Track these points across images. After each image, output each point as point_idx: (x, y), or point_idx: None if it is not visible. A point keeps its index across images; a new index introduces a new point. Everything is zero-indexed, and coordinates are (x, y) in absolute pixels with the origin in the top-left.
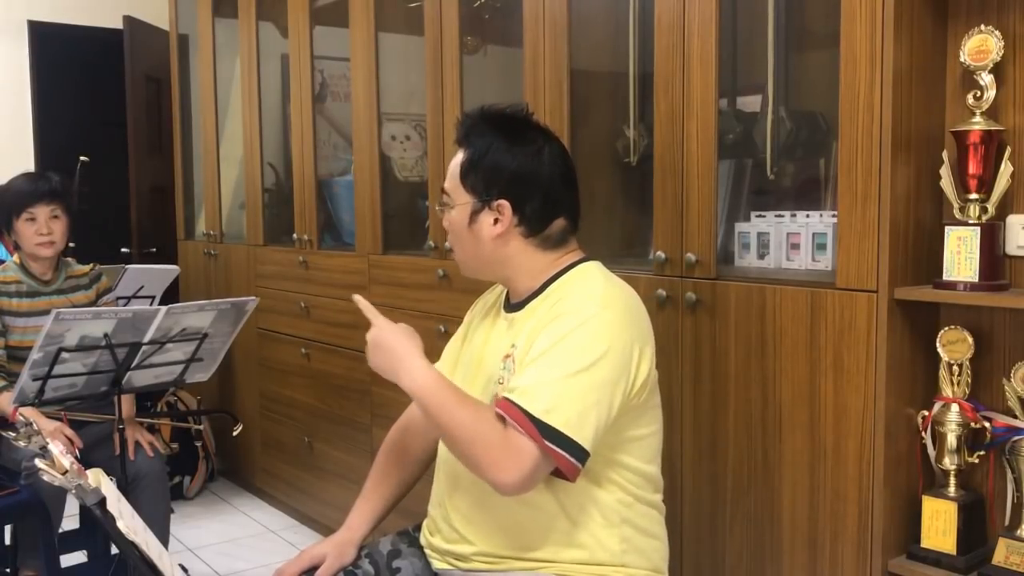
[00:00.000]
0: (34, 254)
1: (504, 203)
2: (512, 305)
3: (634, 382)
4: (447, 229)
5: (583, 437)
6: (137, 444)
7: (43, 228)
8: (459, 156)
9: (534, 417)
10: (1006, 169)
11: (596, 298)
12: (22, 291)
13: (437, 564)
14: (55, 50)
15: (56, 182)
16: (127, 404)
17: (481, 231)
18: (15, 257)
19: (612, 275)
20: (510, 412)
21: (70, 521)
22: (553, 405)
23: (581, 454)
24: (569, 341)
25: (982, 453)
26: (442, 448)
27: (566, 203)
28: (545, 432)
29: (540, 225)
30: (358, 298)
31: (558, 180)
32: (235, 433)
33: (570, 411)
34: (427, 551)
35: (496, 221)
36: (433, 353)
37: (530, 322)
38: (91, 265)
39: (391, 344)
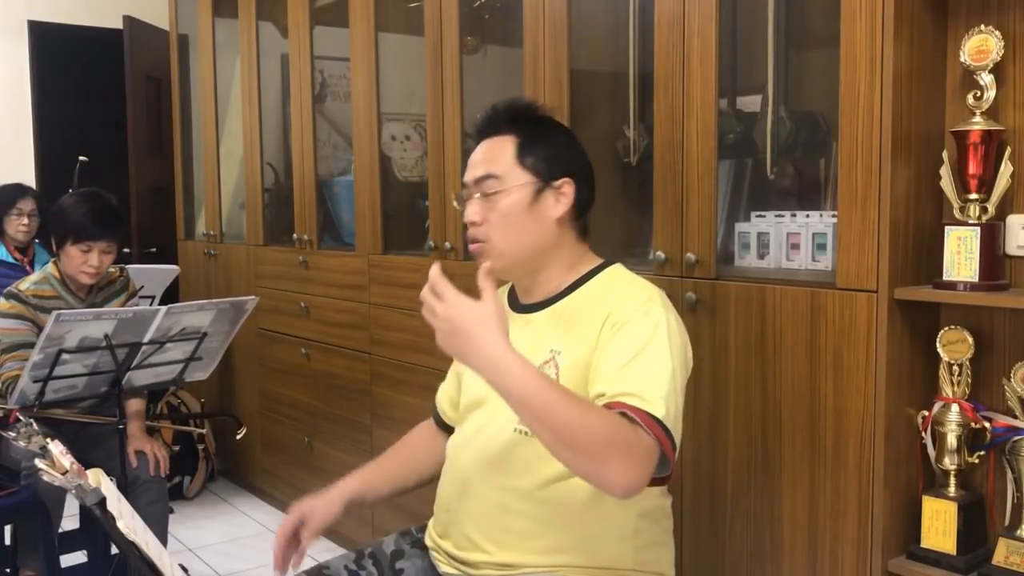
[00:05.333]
0: (75, 278)
1: (568, 182)
2: (526, 306)
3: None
4: (481, 220)
5: (679, 436)
6: (142, 453)
7: (94, 261)
8: (504, 140)
9: (660, 421)
10: (1006, 169)
11: (657, 300)
12: (60, 307)
13: (443, 568)
14: (55, 50)
15: (121, 222)
16: (137, 416)
17: (544, 211)
18: (53, 269)
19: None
20: (640, 415)
21: (70, 521)
22: (667, 409)
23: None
24: (656, 344)
25: (982, 453)
26: (451, 454)
27: (593, 196)
28: (669, 436)
29: (584, 212)
30: (434, 268)
31: (592, 169)
32: (239, 437)
33: (675, 414)
34: (433, 553)
35: (557, 201)
36: (433, 353)
37: (575, 326)
38: (119, 268)
39: (471, 333)
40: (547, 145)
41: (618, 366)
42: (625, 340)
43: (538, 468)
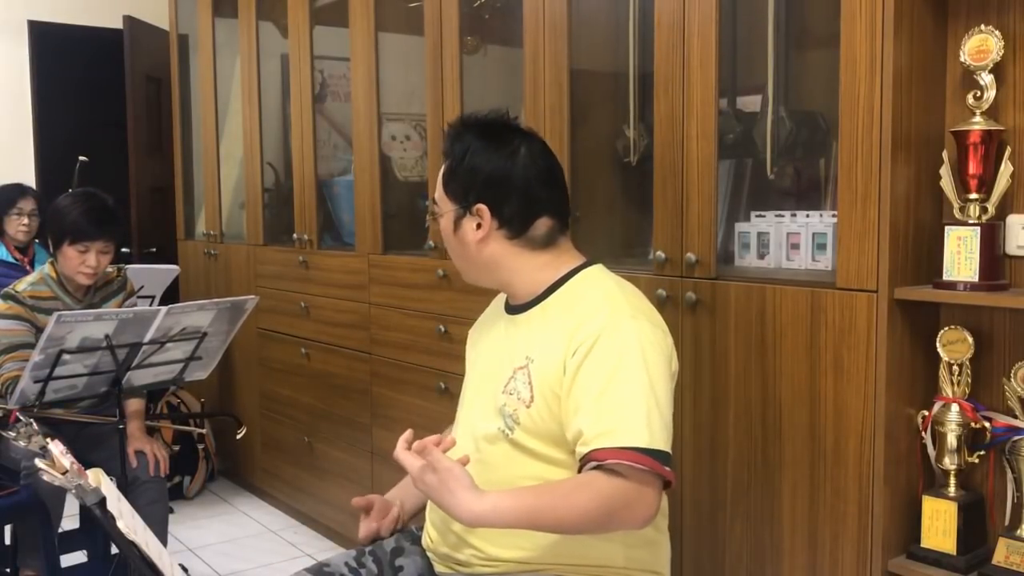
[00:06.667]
0: (72, 278)
1: (482, 207)
2: (513, 307)
3: (673, 380)
4: (443, 238)
5: (670, 446)
6: (142, 453)
7: (91, 261)
8: (444, 165)
9: (647, 449)
10: (1006, 169)
11: (625, 309)
12: (57, 308)
13: (438, 567)
14: (55, 50)
15: (117, 221)
16: (137, 416)
17: (465, 237)
18: (50, 269)
19: (618, 278)
20: (623, 456)
21: (70, 521)
22: (650, 432)
23: (671, 459)
24: (628, 363)
25: (982, 453)
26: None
27: (547, 202)
28: (659, 458)
29: (522, 226)
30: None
31: (535, 180)
32: (239, 437)
33: (660, 427)
34: (429, 554)
35: (478, 226)
36: (433, 353)
37: (544, 334)
38: (117, 268)
39: (436, 498)
40: (465, 170)
41: (593, 396)
42: (596, 366)
43: (520, 462)
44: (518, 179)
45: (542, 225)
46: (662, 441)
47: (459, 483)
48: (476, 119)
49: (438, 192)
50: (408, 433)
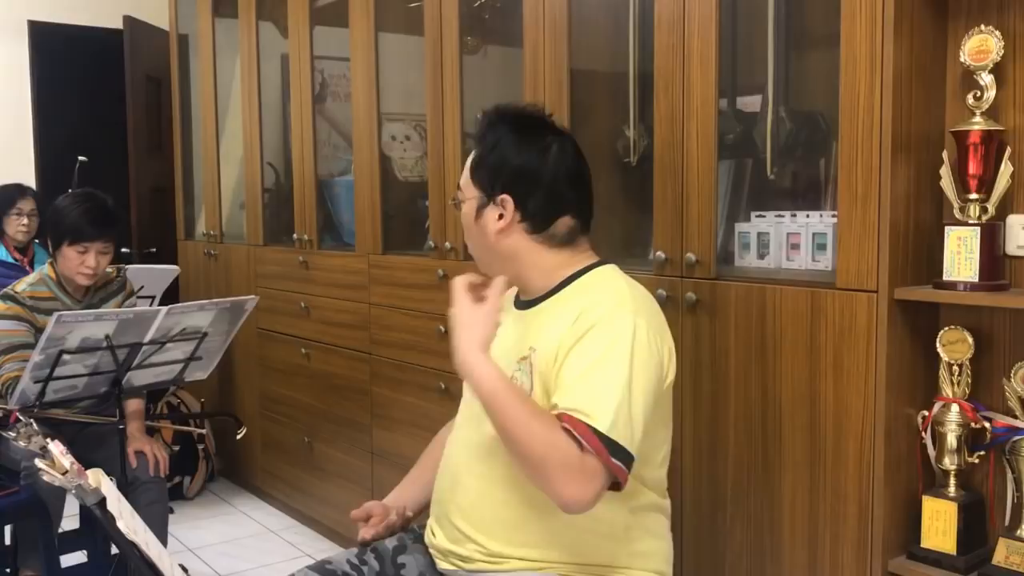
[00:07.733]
0: (72, 279)
1: (507, 198)
2: (523, 302)
3: (665, 386)
4: (463, 224)
5: (635, 447)
6: (142, 453)
7: (91, 262)
8: (474, 152)
9: (602, 434)
10: (1006, 169)
11: (627, 305)
12: (57, 308)
13: (441, 564)
14: (55, 50)
15: (117, 222)
16: (136, 416)
17: (486, 225)
18: (49, 270)
19: (630, 279)
20: (578, 428)
21: (70, 521)
22: (613, 420)
23: (632, 463)
24: (614, 352)
25: (982, 453)
26: (446, 448)
27: (572, 202)
28: (611, 449)
29: (544, 222)
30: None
31: (563, 178)
32: (239, 437)
33: (626, 423)
34: (432, 550)
35: (500, 216)
36: (433, 353)
37: (549, 324)
38: (116, 268)
39: (456, 332)
40: (494, 159)
41: (575, 375)
42: (586, 348)
43: None
44: (547, 175)
45: (564, 224)
46: (623, 436)
47: (484, 329)
48: (512, 110)
49: (464, 178)
50: (472, 276)
